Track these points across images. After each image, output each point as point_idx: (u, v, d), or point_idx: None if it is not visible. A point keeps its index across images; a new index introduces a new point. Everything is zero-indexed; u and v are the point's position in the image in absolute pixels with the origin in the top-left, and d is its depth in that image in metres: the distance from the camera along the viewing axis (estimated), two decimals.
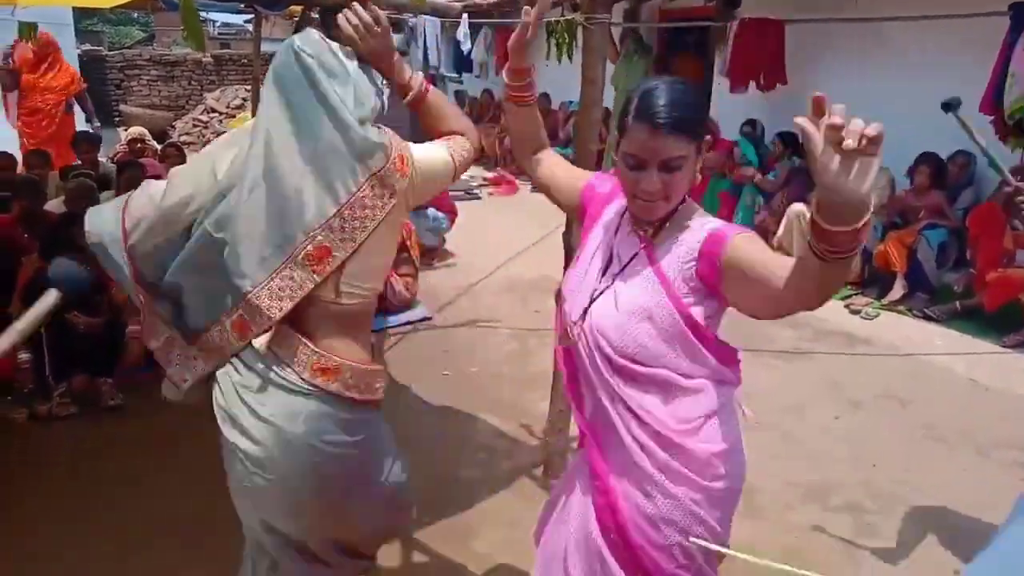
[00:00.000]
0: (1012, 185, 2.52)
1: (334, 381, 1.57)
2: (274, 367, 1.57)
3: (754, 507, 2.92)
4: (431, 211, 6.04)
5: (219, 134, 8.09)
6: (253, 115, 5.80)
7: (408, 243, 3.28)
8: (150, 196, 1.64)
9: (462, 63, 10.58)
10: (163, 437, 3.35)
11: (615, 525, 1.44)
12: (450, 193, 6.54)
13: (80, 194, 4.65)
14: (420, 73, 1.73)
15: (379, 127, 1.57)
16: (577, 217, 1.68)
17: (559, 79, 9.17)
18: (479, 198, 8.89)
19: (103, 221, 1.70)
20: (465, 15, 9.07)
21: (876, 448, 3.38)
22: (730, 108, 7.45)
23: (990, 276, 4.71)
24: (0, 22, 6.69)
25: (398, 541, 2.58)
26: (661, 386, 1.40)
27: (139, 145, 6.93)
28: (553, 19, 5.51)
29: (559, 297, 1.57)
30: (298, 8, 5.18)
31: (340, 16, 1.58)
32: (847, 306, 5.29)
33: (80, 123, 7.66)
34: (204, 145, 7.86)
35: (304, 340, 1.56)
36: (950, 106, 2.41)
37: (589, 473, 1.50)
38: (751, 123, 7.12)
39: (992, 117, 5.11)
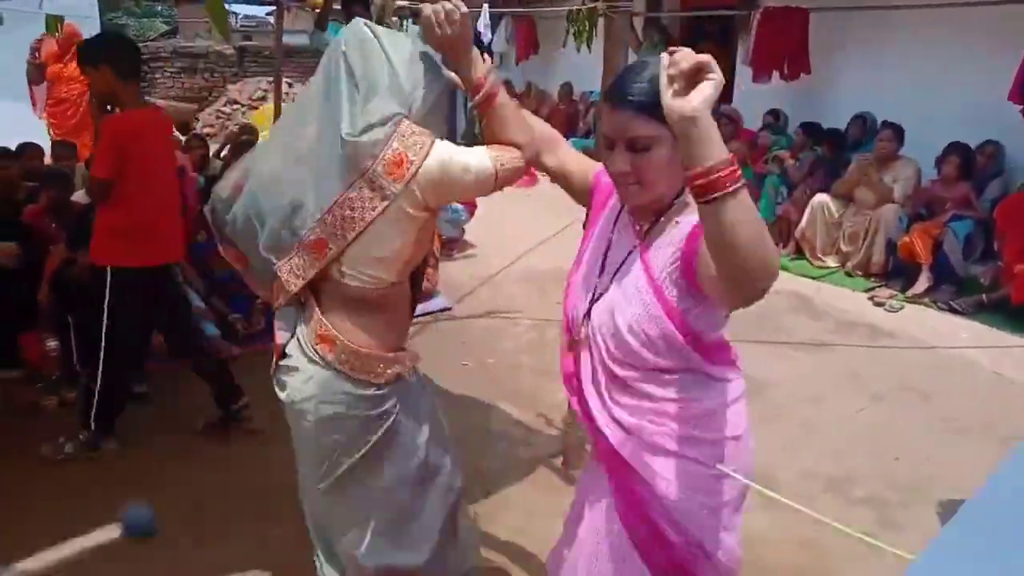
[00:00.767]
0: None
1: (331, 352, 1.66)
2: (299, 326, 1.74)
3: (772, 497, 2.91)
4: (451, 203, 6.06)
5: (241, 126, 8.14)
6: (275, 106, 5.85)
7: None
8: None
9: (482, 53, 10.51)
10: (187, 424, 3.40)
11: (641, 519, 1.43)
12: None
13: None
14: (496, 74, 1.65)
15: (395, 123, 1.53)
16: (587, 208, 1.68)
17: (581, 68, 9.13)
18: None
19: (221, 187, 1.87)
20: (485, 5, 9.03)
21: (898, 440, 3.35)
22: (753, 98, 7.38)
23: (1018, 268, 4.63)
24: (26, 16, 6.81)
25: None
26: (661, 387, 1.40)
27: None
28: (574, 7, 5.48)
29: (565, 294, 1.56)
30: (320, 0, 5.20)
31: (425, 4, 1.59)
32: (871, 298, 5.23)
33: None
34: (227, 136, 7.95)
35: (317, 309, 1.69)
36: None
37: (606, 473, 1.49)
38: (774, 113, 7.05)
39: (1022, 107, 5.02)
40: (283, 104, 5.64)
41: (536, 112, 2.17)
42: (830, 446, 3.30)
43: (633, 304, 1.36)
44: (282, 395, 1.76)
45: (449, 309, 4.91)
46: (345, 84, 1.56)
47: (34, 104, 7.60)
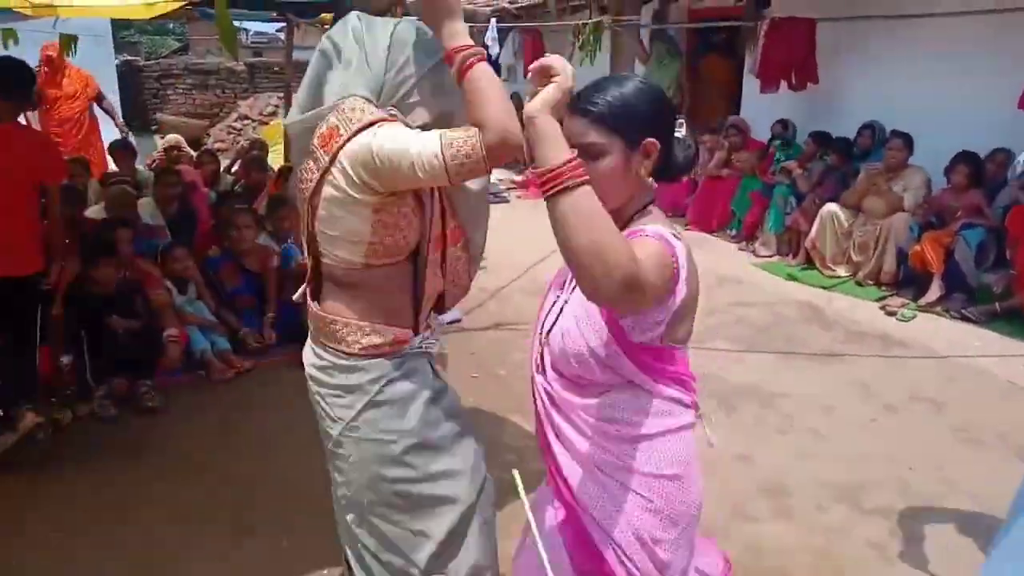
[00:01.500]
0: None
1: (312, 322, 1.76)
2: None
3: (785, 508, 2.90)
4: None
5: (251, 141, 8.22)
6: None
7: None
8: None
9: (490, 67, 10.61)
10: (200, 438, 3.42)
11: (580, 539, 1.45)
12: None
13: (120, 201, 4.78)
14: (473, 48, 1.52)
15: (342, 102, 1.57)
16: None
17: (585, 81, 9.19)
18: (507, 201, 8.92)
19: None
20: (493, 20, 9.11)
21: (911, 450, 3.33)
22: (761, 108, 7.39)
23: None
24: (41, 36, 6.90)
25: None
26: (601, 404, 1.40)
27: (175, 152, 7.09)
28: (581, 22, 5.52)
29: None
30: (329, 16, 5.26)
31: None
32: (882, 308, 5.21)
33: (110, 129, 7.84)
34: (237, 151, 8.03)
35: (310, 287, 1.80)
36: None
37: (552, 493, 1.53)
38: (783, 123, 7.05)
39: None
40: None
41: None
42: (842, 456, 3.28)
43: (578, 311, 1.38)
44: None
45: (458, 321, 4.92)
46: (314, 64, 1.64)
47: (28, 124, 7.67)
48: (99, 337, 3.69)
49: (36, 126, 7.54)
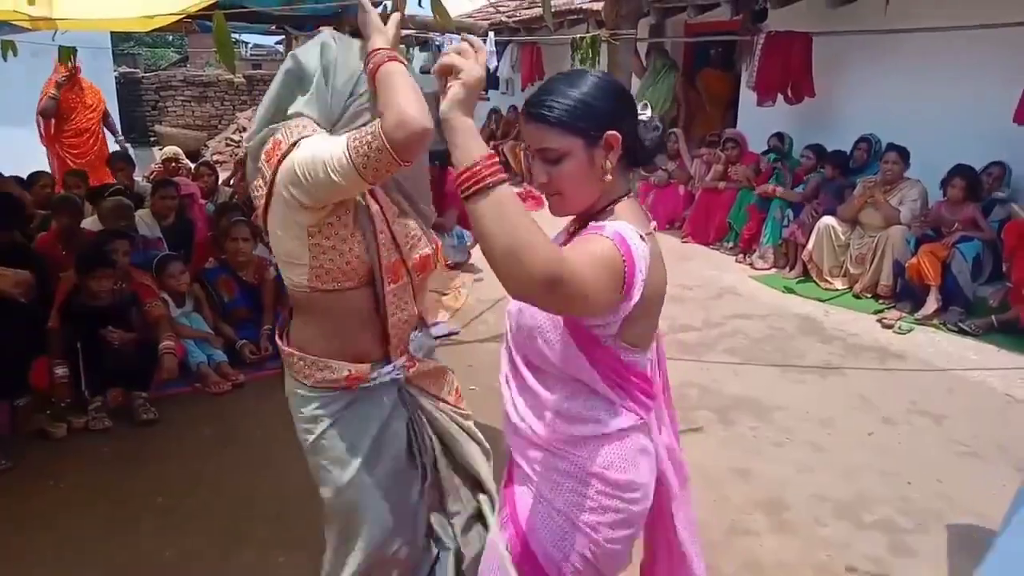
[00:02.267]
0: None
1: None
2: None
3: (783, 522, 2.88)
4: (455, 228, 6.10)
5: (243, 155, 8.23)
6: None
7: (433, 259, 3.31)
8: None
9: (489, 80, 10.67)
10: (196, 450, 3.41)
11: (515, 536, 1.44)
12: None
13: (116, 213, 4.77)
14: (389, 51, 1.51)
15: (300, 120, 1.56)
16: None
17: None
18: None
19: None
20: (491, 33, 9.16)
21: (910, 464, 3.32)
22: (758, 121, 7.42)
23: None
24: (40, 47, 6.91)
25: None
26: (547, 390, 1.39)
27: (173, 164, 7.10)
28: (578, 36, 5.55)
29: None
30: (328, 29, 5.27)
31: None
32: (879, 320, 5.21)
33: (109, 142, 7.89)
34: (235, 163, 8.04)
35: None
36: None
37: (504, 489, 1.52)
38: (779, 136, 7.08)
39: None
40: None
41: None
42: (840, 470, 3.27)
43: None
44: None
45: (456, 333, 4.91)
46: (275, 83, 1.62)
47: (43, 136, 7.70)
48: (95, 349, 3.67)
49: (46, 136, 7.60)
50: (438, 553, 1.85)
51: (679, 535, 1.56)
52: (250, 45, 18.15)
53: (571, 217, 1.42)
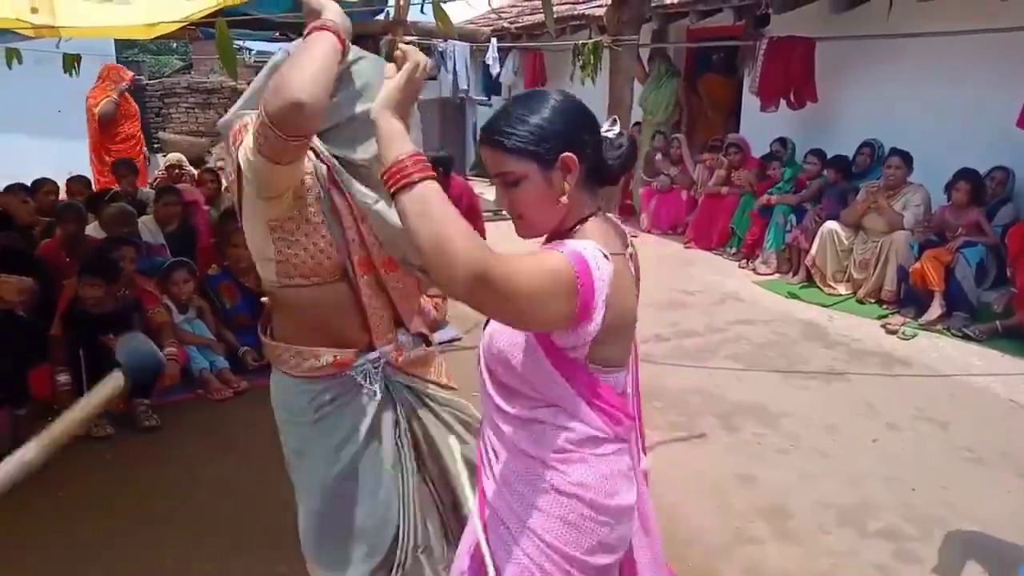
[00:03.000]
0: None
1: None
2: None
3: (787, 530, 2.87)
4: None
5: None
6: None
7: None
8: None
9: (491, 87, 10.70)
10: (197, 456, 3.40)
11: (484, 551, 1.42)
12: (483, 213, 6.60)
13: (119, 219, 4.78)
14: (329, 21, 1.45)
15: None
16: None
17: (585, 100, 9.21)
18: (509, 219, 8.92)
19: None
20: (493, 40, 9.19)
21: (915, 471, 3.30)
22: (760, 126, 7.42)
23: None
24: (44, 55, 6.95)
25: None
26: (527, 412, 1.36)
27: (177, 171, 7.12)
28: (580, 42, 5.56)
29: None
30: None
31: None
32: (883, 326, 5.19)
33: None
34: None
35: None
36: None
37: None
38: (782, 141, 7.08)
39: None
40: None
41: None
42: (845, 477, 3.25)
43: None
44: None
45: (459, 339, 4.90)
46: (262, 74, 1.62)
47: (94, 139, 8.11)
48: (97, 356, 3.67)
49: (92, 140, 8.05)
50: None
51: None
52: (253, 52, 18.20)
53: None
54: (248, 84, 1.70)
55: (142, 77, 16.30)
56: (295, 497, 1.81)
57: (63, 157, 8.87)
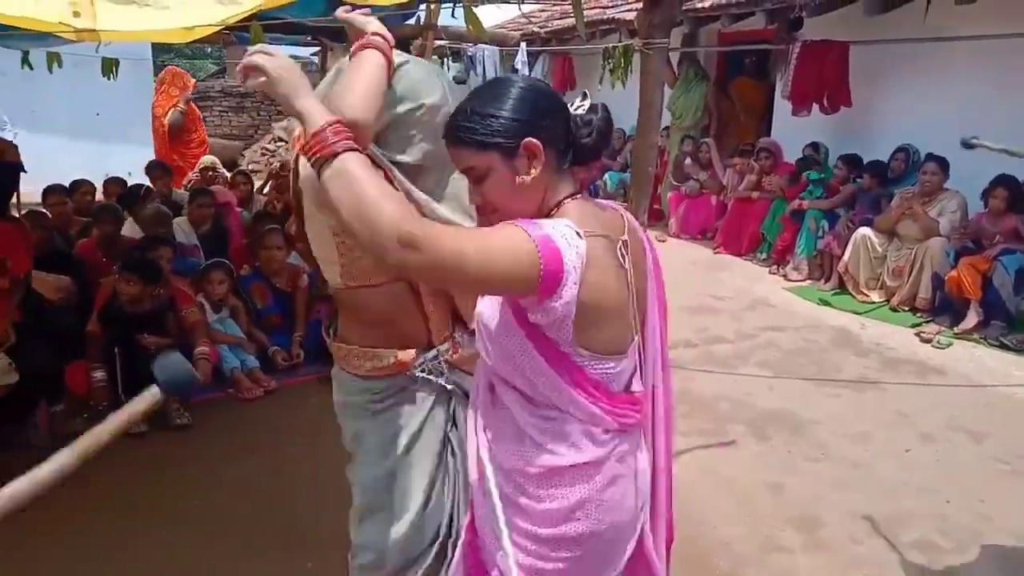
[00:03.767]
0: None
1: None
2: None
3: (817, 539, 2.82)
4: None
5: (284, 163, 8.37)
6: None
7: None
8: None
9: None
10: (226, 455, 3.44)
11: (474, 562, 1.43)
12: None
13: (156, 220, 4.88)
14: (378, 38, 1.53)
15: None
16: None
17: (613, 104, 9.14)
18: None
19: None
20: (523, 44, 9.20)
21: (950, 482, 3.23)
22: (792, 131, 7.33)
23: None
24: (78, 58, 7.12)
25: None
26: (520, 411, 1.33)
27: (211, 173, 7.23)
28: (610, 45, 5.54)
29: None
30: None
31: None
32: (918, 334, 5.09)
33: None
34: (269, 172, 8.19)
35: None
36: (970, 145, 2.35)
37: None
38: (814, 146, 6.99)
39: None
40: None
41: None
42: (877, 487, 3.19)
43: (496, 311, 1.34)
44: None
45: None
46: (325, 80, 1.70)
47: (163, 145, 8.56)
48: (132, 354, 3.74)
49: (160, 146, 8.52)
50: None
51: None
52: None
53: None
54: None
55: None
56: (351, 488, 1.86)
57: (101, 159, 9.09)
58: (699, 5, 7.60)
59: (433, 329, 1.77)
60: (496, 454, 1.37)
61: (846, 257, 5.91)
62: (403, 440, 1.76)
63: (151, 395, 1.27)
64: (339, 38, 6.45)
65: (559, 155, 1.30)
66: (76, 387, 3.70)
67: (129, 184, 6.46)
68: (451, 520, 1.82)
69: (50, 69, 6.71)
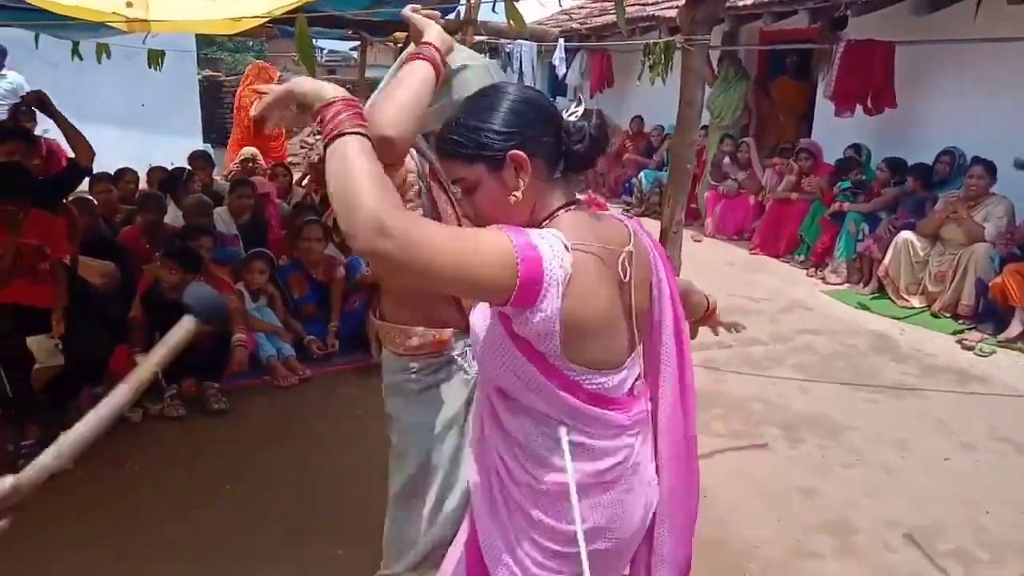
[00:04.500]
0: None
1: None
2: None
3: (849, 546, 2.78)
4: None
5: (320, 155, 8.51)
6: None
7: None
8: None
9: (556, 87, 10.69)
10: (261, 441, 3.50)
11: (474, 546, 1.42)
12: None
13: (197, 209, 4.98)
14: (428, 48, 1.57)
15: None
16: None
17: (653, 102, 9.11)
18: None
19: None
20: (561, 40, 9.18)
21: (989, 493, 3.16)
22: (834, 132, 7.22)
23: None
24: (127, 50, 7.28)
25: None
26: (522, 423, 1.32)
27: (251, 164, 7.34)
28: (651, 41, 5.50)
29: None
30: (402, 35, 5.37)
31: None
32: (959, 341, 4.98)
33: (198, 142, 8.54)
34: (308, 165, 8.30)
35: None
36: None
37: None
38: (855, 147, 6.87)
39: None
40: None
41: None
42: (914, 494, 3.14)
43: (489, 323, 1.34)
44: None
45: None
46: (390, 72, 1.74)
47: (244, 137, 8.91)
48: None
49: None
50: None
51: None
52: (325, 51, 18.63)
53: None
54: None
55: (219, 73, 16.88)
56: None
57: (145, 149, 9.29)
58: (741, 3, 7.50)
59: (467, 308, 1.78)
60: (502, 463, 1.36)
61: (887, 261, 5.80)
62: (442, 425, 1.80)
63: (186, 324, 1.28)
64: (378, 33, 6.50)
65: (549, 165, 1.27)
66: (120, 369, 3.79)
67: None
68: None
69: (99, 60, 6.87)
